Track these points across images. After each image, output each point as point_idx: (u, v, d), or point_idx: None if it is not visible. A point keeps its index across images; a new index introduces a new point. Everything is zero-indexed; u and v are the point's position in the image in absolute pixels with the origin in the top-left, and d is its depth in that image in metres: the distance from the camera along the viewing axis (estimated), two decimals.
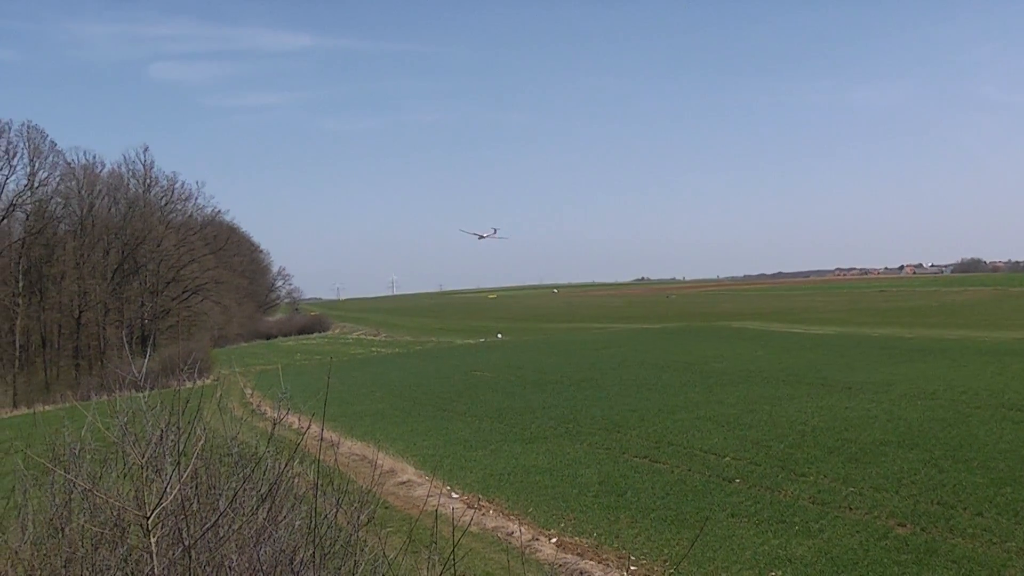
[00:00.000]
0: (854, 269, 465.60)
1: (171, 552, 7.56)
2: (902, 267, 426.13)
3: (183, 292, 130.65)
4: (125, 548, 8.15)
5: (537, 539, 20.41)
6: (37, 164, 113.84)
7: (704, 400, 38.20)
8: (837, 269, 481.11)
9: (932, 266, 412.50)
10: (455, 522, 7.98)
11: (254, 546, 7.72)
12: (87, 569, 7.87)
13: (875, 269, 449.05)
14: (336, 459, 11.53)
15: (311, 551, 7.87)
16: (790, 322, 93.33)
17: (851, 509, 20.66)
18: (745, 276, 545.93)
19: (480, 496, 24.60)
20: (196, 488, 8.79)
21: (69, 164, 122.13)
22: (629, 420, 34.54)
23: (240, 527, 8.22)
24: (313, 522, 8.06)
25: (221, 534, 8.00)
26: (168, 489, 7.47)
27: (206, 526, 7.71)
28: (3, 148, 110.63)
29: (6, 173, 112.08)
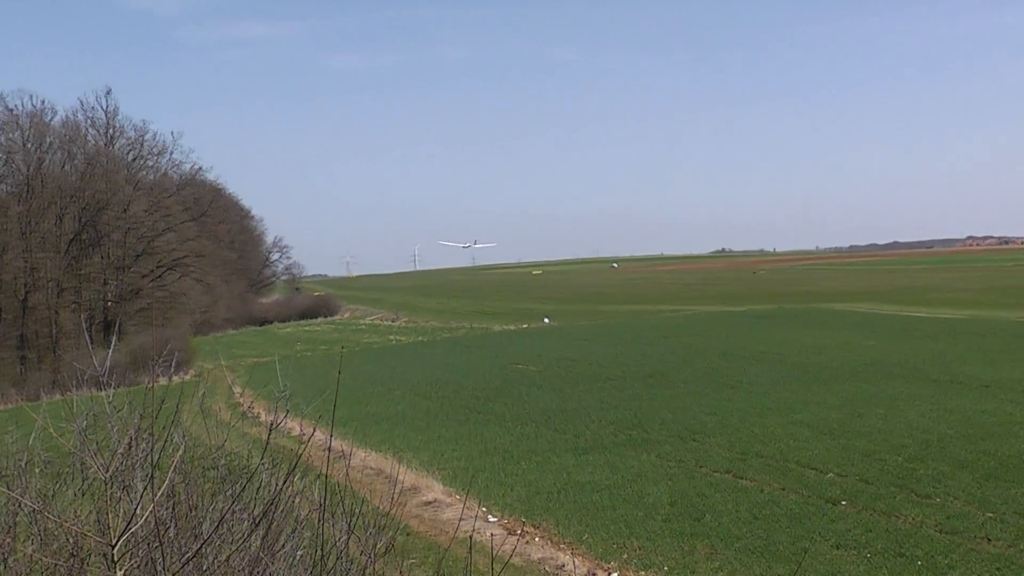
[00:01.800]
0: (991, 237, 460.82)
1: None
2: None
3: (156, 267, 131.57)
4: None
5: (594, 573, 20.37)
6: None
7: (801, 401, 37.94)
8: (969, 238, 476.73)
9: None
10: (494, 552, 7.88)
11: None
12: None
13: (1017, 237, 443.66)
14: (347, 473, 11.48)
15: None
16: (909, 304, 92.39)
17: (989, 540, 20.41)
18: (851, 247, 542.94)
19: (523, 520, 24.59)
20: (173, 509, 8.77)
21: (12, 111, 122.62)
22: (707, 425, 34.40)
23: (228, 558, 8.19)
24: (319, 552, 8.02)
25: (205, 566, 7.98)
26: (139, 510, 7.43)
27: (186, 556, 7.68)
28: None
29: None
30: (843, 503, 23.73)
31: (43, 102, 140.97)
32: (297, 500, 10.27)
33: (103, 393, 9.75)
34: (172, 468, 8.18)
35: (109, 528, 7.33)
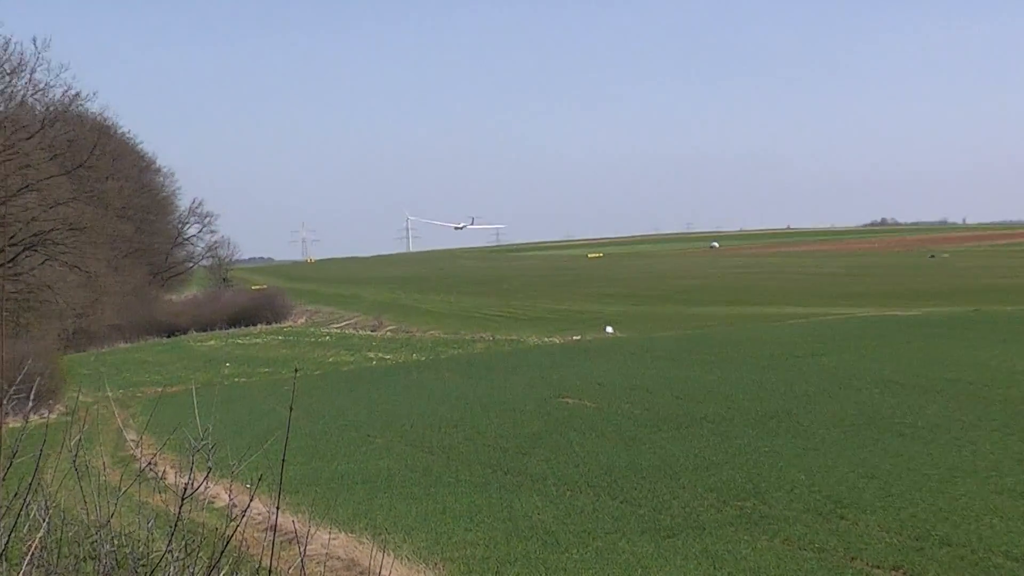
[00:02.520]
0: None
1: None
2: None
3: (8, 246, 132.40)
4: None
5: None
6: None
7: (1012, 458, 37.67)
8: None
9: None
10: None
11: None
12: None
13: None
14: (301, 566, 11.41)
15: None
16: None
17: None
18: None
19: None
20: None
21: None
22: (862, 495, 34.21)
23: None
24: None
25: None
26: None
27: None
28: None
29: None
30: None
31: None
32: None
33: None
34: (28, 558, 8.08)
35: None
